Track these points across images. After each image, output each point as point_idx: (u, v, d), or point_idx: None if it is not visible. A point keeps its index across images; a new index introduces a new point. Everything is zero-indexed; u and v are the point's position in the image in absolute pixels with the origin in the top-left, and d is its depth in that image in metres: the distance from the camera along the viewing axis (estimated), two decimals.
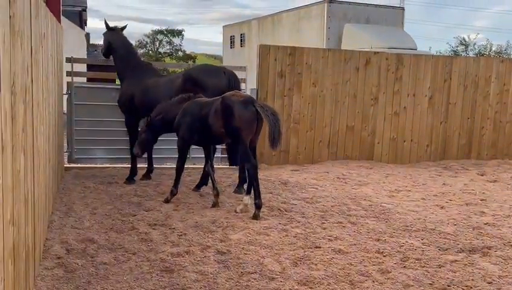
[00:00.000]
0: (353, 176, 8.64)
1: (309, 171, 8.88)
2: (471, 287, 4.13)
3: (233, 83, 7.33)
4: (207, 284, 4.01)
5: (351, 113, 9.85)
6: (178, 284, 3.97)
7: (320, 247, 4.99)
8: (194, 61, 49.97)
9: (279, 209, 6.27)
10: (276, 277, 4.21)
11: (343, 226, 5.73)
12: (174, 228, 5.40)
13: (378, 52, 10.40)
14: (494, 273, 4.42)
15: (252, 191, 6.03)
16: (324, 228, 5.64)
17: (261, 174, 8.36)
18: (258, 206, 5.92)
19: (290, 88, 9.42)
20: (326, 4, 17.04)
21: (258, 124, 6.02)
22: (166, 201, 6.42)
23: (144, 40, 55.08)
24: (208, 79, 7.32)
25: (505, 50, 35.07)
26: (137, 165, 7.64)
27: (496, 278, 4.32)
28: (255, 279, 4.15)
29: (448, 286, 4.15)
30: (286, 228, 5.55)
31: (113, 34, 7.98)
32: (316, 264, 4.52)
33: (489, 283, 4.23)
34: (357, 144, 9.95)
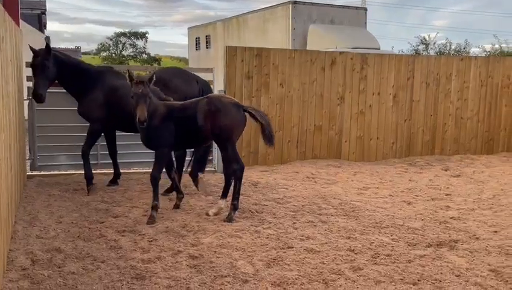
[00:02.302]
0: (322, 175, 8.72)
1: (279, 172, 8.90)
2: (440, 281, 4.21)
3: (205, 93, 7.19)
4: (180, 289, 3.95)
5: (319, 113, 9.93)
6: None
7: (292, 247, 5.00)
8: (159, 64, 49.41)
9: (250, 211, 6.25)
10: (250, 279, 4.19)
11: (315, 225, 5.77)
12: (143, 234, 5.29)
13: (343, 52, 10.53)
14: (461, 266, 4.54)
15: (225, 193, 6.12)
16: (296, 228, 5.65)
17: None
18: (235, 208, 5.91)
19: (258, 89, 9.42)
20: (290, 5, 17.15)
21: (243, 127, 6.11)
22: (152, 221, 5.68)
23: (106, 43, 54.10)
24: (182, 84, 7.21)
25: (464, 48, 36.17)
26: (102, 171, 7.41)
27: (464, 271, 4.43)
28: (228, 282, 4.11)
29: (419, 280, 4.22)
30: (258, 230, 5.54)
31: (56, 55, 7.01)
32: (288, 265, 4.53)
33: (457, 276, 4.33)
34: (325, 143, 10.05)
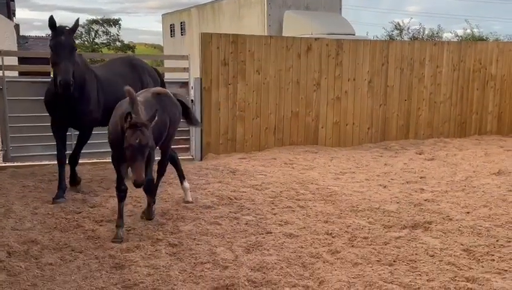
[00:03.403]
0: (300, 161, 8.79)
1: (257, 159, 8.93)
2: (415, 261, 4.33)
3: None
4: (160, 277, 3.96)
5: (295, 99, 9.97)
6: (130, 280, 3.88)
7: (271, 232, 5.05)
8: (133, 51, 48.68)
9: (229, 197, 6.27)
10: (230, 264, 4.22)
11: (293, 211, 5.83)
12: None
13: (318, 39, 10.56)
14: (435, 247, 4.66)
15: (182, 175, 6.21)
16: (274, 214, 5.71)
17: (209, 164, 8.36)
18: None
19: (234, 76, 9.39)
20: None
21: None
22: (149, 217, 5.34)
23: (78, 30, 52.95)
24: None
25: (437, 33, 36.70)
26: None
27: (438, 251, 4.56)
28: (208, 269, 4.14)
29: (394, 261, 4.33)
30: (237, 216, 5.57)
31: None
32: (268, 250, 4.58)
33: (431, 256, 4.45)
34: (302, 129, 10.11)
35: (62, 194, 6.14)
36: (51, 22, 5.68)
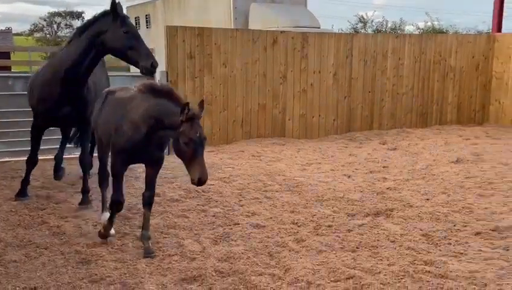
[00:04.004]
0: (267, 153, 8.88)
1: (225, 152, 8.98)
2: (377, 247, 4.49)
3: None
4: (127, 271, 3.98)
5: (262, 92, 10.05)
6: (96, 274, 3.89)
7: (238, 223, 5.13)
8: None
9: (196, 191, 6.29)
10: (197, 256, 4.27)
11: (260, 202, 5.92)
12: (88, 219, 5.24)
13: (284, 32, 10.66)
14: (396, 233, 4.84)
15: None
16: (242, 205, 5.78)
17: (177, 158, 8.33)
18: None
19: (201, 69, 9.38)
20: None
21: None
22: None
23: (39, 23, 51.48)
24: None
25: (399, 26, 37.45)
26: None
27: (398, 237, 4.73)
28: (176, 261, 4.18)
29: (357, 247, 4.48)
30: (205, 209, 5.62)
31: None
32: (235, 241, 4.65)
33: (392, 242, 4.62)
34: (269, 121, 10.21)
35: (25, 192, 6.02)
36: (115, 6, 5.28)
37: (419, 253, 4.37)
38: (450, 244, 4.61)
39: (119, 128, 4.25)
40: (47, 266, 4.06)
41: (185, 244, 4.54)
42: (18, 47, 29.72)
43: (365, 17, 38.18)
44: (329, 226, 5.04)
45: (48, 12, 52.99)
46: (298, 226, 5.05)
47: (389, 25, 37.73)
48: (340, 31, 27.53)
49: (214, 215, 5.38)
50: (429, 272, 3.97)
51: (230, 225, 5.09)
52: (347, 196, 6.11)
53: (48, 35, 50.66)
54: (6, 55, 28.19)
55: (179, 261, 4.18)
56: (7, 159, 7.99)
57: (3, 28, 36.45)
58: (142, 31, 25.11)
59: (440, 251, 4.46)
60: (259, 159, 8.42)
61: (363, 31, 36.06)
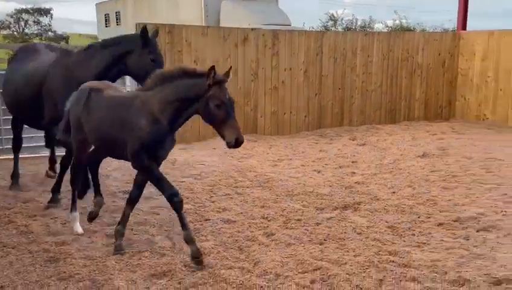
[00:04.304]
0: (239, 149, 8.88)
1: (197, 149, 9.00)
2: (344, 239, 4.62)
3: None
4: (96, 268, 3.99)
5: (234, 89, 10.06)
6: (65, 272, 3.89)
7: (209, 219, 5.19)
8: (67, 42, 46.95)
9: None
10: (167, 252, 4.32)
11: (231, 198, 5.99)
12: (56, 217, 5.22)
13: (255, 29, 10.74)
14: (363, 225, 4.99)
15: None
16: (213, 201, 5.84)
17: None
18: None
19: (171, 66, 9.35)
20: None
21: None
22: None
23: (6, 20, 50.21)
24: None
25: (368, 24, 37.94)
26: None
27: (365, 229, 4.88)
28: (146, 257, 4.21)
29: (325, 240, 4.60)
30: None
31: None
32: (205, 236, 4.71)
33: (358, 234, 4.76)
34: (241, 118, 10.23)
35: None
36: (146, 32, 5.29)
37: (384, 244, 4.52)
38: (414, 235, 4.78)
39: (135, 126, 4.08)
40: (14, 265, 4.04)
41: (155, 240, 4.58)
42: None
43: (335, 15, 38.60)
44: (298, 220, 5.15)
45: (15, 9, 51.57)
46: (268, 221, 5.14)
47: (359, 23, 38.17)
48: (311, 29, 27.72)
49: (184, 212, 5.37)
50: (393, 261, 4.12)
51: (200, 221, 5.15)
52: (316, 190, 6.23)
53: (15, 33, 49.44)
54: None
55: (149, 257, 4.21)
56: None
57: None
58: (112, 28, 24.86)
59: (404, 241, 4.62)
60: (230, 156, 8.47)
61: (333, 28, 36.41)
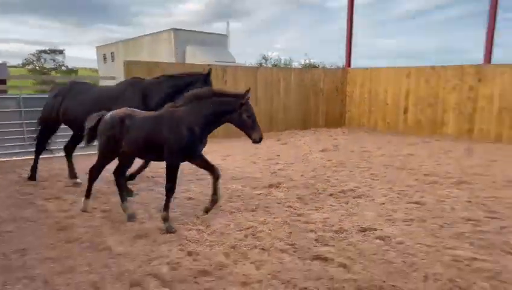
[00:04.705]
0: None
1: None
2: (268, 207, 4.76)
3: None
4: (94, 233, 3.94)
5: None
6: (72, 237, 3.81)
7: (176, 197, 5.14)
8: (76, 74, 44.72)
9: (147, 176, 6.24)
10: (146, 221, 4.29)
11: (193, 182, 5.98)
12: (65, 199, 5.05)
13: (210, 64, 10.75)
14: (281, 197, 5.16)
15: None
16: (179, 185, 5.80)
17: None
18: None
19: None
20: (172, 32, 16.84)
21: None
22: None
23: (30, 58, 47.21)
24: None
25: (289, 62, 38.60)
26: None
27: (283, 200, 5.04)
28: (131, 224, 4.19)
29: (256, 208, 4.72)
30: (153, 189, 5.60)
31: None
32: (173, 209, 4.69)
33: (278, 203, 4.92)
34: None
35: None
36: (210, 72, 5.38)
37: (295, 209, 4.69)
38: (314, 202, 4.99)
39: (175, 135, 3.89)
40: (35, 233, 3.91)
41: (139, 213, 4.55)
42: (13, 75, 27.04)
43: (267, 56, 39.14)
44: (238, 196, 5.25)
45: (37, 50, 48.58)
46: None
47: (282, 61, 38.89)
48: (250, 65, 27.96)
49: (159, 193, 5.39)
50: (299, 220, 4.30)
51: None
52: (252, 175, 6.36)
53: (36, 67, 46.47)
54: (3, 82, 25.89)
55: (133, 225, 4.19)
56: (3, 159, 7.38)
57: (0, 62, 32.80)
58: (109, 64, 23.96)
59: (307, 206, 4.82)
60: None
61: (265, 65, 36.82)
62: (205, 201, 5.02)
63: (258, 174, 6.48)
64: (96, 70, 52.31)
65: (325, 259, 3.39)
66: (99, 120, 4.22)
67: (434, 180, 5.98)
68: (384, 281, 3.03)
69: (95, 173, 4.44)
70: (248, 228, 4.06)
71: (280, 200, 5.03)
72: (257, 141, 4.01)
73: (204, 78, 5.43)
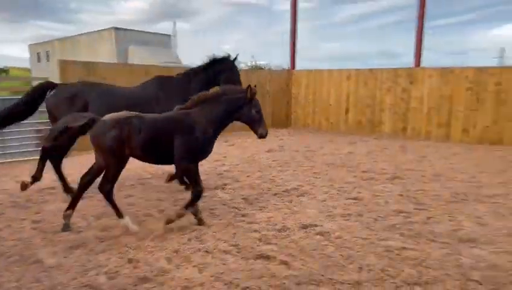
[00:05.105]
0: None
1: None
2: (213, 209, 4.77)
3: None
4: (24, 246, 3.65)
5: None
6: None
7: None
8: (6, 74, 40.93)
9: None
10: (83, 230, 4.09)
11: (135, 187, 5.79)
12: None
13: (154, 65, 10.49)
14: (226, 199, 5.17)
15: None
16: (121, 191, 5.59)
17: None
18: None
19: None
20: (113, 31, 16.10)
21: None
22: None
23: None
24: None
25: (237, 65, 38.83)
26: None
27: (228, 201, 5.05)
28: (66, 234, 3.95)
29: (200, 211, 4.70)
30: (92, 195, 5.27)
31: None
32: (113, 215, 4.52)
33: (224, 204, 4.93)
34: None
35: None
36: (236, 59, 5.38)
37: (240, 210, 4.74)
38: (259, 202, 5.07)
39: (190, 137, 3.90)
40: None
41: (74, 221, 4.30)
42: None
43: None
44: (183, 198, 5.17)
45: None
46: (161, 201, 5.10)
47: None
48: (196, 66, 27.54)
49: (98, 200, 5.13)
50: (244, 221, 4.34)
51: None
52: (201, 177, 6.28)
53: None
54: None
55: (69, 234, 3.96)
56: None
57: None
58: (43, 64, 22.22)
59: (252, 207, 4.90)
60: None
61: None
62: (147, 205, 4.89)
63: (204, 175, 6.41)
64: (29, 70, 48.22)
65: (268, 257, 3.48)
66: (88, 123, 3.72)
67: (371, 176, 6.41)
68: (323, 275, 3.18)
69: (109, 189, 3.93)
70: (192, 231, 4.03)
71: (225, 202, 5.04)
72: (264, 135, 4.18)
73: (231, 66, 5.44)
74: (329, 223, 4.28)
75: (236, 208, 4.82)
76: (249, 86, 4.10)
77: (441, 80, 10.35)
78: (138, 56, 15.83)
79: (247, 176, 6.45)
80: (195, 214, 4.18)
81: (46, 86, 5.06)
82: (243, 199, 5.20)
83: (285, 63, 16.13)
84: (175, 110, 4.05)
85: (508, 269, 3.28)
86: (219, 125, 4.10)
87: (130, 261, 3.40)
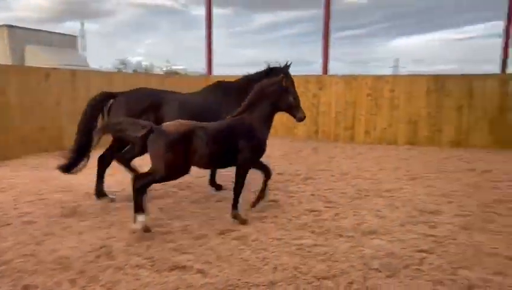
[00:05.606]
0: (47, 164, 7.79)
1: (6, 165, 7.44)
2: (126, 222, 4.47)
3: None
4: None
5: (41, 118, 8.76)
6: None
7: (11, 223, 4.40)
8: None
9: None
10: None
11: (35, 203, 5.19)
12: None
13: (56, 68, 9.53)
14: (199, 200, 5.12)
15: None
16: (16, 208, 4.96)
17: None
18: None
19: None
20: (6, 28, 14.17)
21: None
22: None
23: None
24: None
25: (150, 68, 37.46)
26: None
27: (201, 206, 4.88)
28: None
29: (111, 225, 4.40)
30: None
31: None
32: (5, 237, 3.98)
33: (193, 204, 4.66)
34: (47, 142, 8.98)
35: None
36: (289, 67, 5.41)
37: (155, 220, 4.50)
38: (175, 211, 4.88)
39: (254, 140, 4.24)
40: None
41: None
42: None
43: (126, 60, 37.04)
44: (91, 213, 4.80)
45: None
46: (66, 217, 4.65)
47: (143, 67, 37.42)
48: (106, 70, 25.79)
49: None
50: (159, 230, 4.16)
51: (3, 226, 4.32)
52: (108, 189, 5.86)
53: None
54: None
55: None
56: None
57: None
58: None
59: (168, 215, 4.69)
60: (38, 170, 7.33)
61: (124, 70, 34.64)
62: (49, 223, 4.42)
63: (115, 187, 6.03)
64: None
65: (184, 267, 3.41)
66: (147, 132, 3.76)
67: (286, 178, 6.74)
68: (239, 279, 3.22)
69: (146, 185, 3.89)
70: (101, 247, 3.76)
71: (198, 204, 4.90)
72: (302, 119, 4.40)
73: (287, 73, 5.37)
74: (245, 227, 4.36)
75: (151, 218, 4.60)
76: (283, 75, 4.37)
77: (345, 87, 11.44)
78: (38, 57, 14.15)
79: (163, 184, 6.20)
80: (235, 217, 4.42)
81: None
82: (159, 208, 4.98)
83: (203, 68, 16.13)
84: (228, 118, 4.30)
85: (402, 255, 3.70)
86: (270, 120, 4.41)
87: (25, 288, 3.02)
